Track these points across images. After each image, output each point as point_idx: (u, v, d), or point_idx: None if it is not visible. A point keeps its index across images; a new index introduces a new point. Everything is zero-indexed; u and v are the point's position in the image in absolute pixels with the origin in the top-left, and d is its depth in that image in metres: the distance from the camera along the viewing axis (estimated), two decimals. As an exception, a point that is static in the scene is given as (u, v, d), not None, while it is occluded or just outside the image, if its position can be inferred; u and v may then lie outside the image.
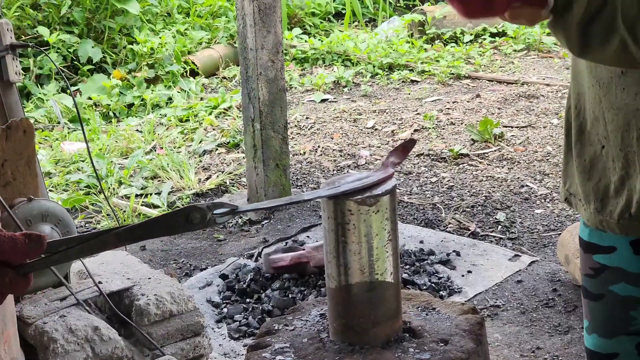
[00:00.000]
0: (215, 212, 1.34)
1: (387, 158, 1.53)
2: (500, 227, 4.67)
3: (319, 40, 8.58)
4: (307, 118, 6.70)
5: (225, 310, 3.86)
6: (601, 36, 1.39)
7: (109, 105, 7.13)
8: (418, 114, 6.62)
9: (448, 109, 6.72)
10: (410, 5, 9.66)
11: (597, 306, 1.92)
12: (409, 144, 1.60)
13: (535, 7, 1.39)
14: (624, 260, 1.84)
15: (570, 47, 1.43)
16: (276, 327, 1.61)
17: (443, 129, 6.28)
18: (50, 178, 5.61)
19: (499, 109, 6.65)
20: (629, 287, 1.85)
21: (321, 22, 9.38)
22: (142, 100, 7.20)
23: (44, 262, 1.29)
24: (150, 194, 5.30)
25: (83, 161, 5.86)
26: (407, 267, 4.07)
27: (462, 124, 6.33)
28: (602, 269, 1.88)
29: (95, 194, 5.34)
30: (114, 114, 7.08)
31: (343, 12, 9.62)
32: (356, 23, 9.55)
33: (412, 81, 7.58)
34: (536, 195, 5.05)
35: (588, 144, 1.82)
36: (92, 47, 7.74)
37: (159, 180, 5.54)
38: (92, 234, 1.32)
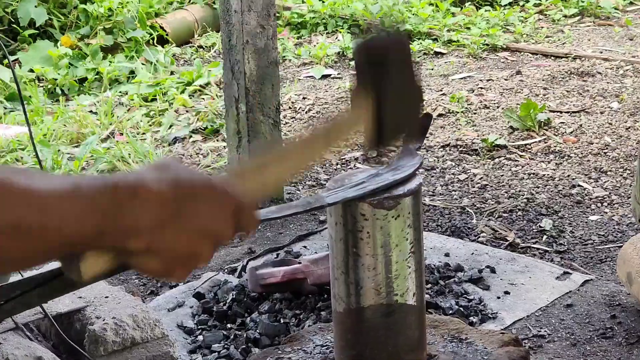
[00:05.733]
0: None
1: (403, 142, 1.54)
2: (545, 237, 4.68)
3: (321, 0, 8.58)
4: (304, 98, 6.71)
5: (200, 337, 3.86)
6: None
7: (56, 79, 7.13)
8: (443, 94, 6.63)
9: (481, 88, 6.73)
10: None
11: None
12: (425, 120, 1.61)
13: None
14: None
15: None
16: (268, 360, 1.62)
17: (474, 113, 6.29)
18: (-19, 170, 5.62)
19: (544, 89, 6.66)
20: None
21: (323, -22, 9.39)
22: (98, 74, 7.21)
23: None
24: (107, 192, 5.30)
25: (23, 149, 5.86)
26: (429, 286, 4.08)
27: (498, 107, 6.34)
28: None
29: (38, 190, 5.34)
30: (62, 90, 7.08)
31: (350, -35, 9.63)
32: (366, -21, 9.56)
33: (436, 53, 7.59)
34: (591, 198, 5.05)
35: None
36: (35, 6, 7.74)
37: (118, 175, 5.55)
38: (52, 274, 1.29)
